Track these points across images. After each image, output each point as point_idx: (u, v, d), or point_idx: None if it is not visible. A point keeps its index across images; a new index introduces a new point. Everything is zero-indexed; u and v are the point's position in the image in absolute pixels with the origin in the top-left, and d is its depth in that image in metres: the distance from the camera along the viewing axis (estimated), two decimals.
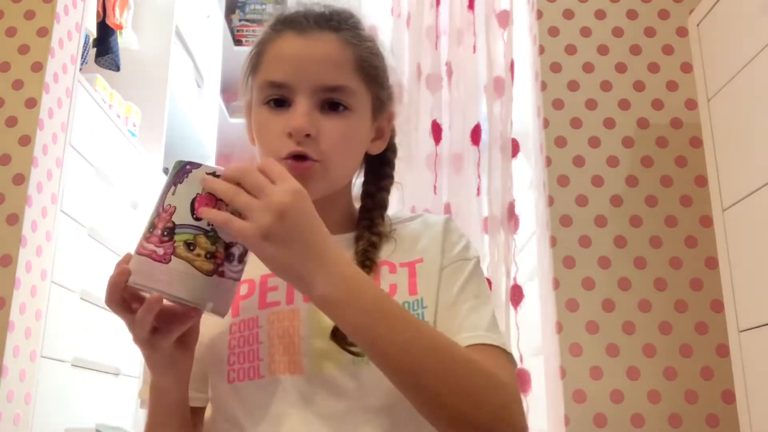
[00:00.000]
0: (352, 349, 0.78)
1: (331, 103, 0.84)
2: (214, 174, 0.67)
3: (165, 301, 0.69)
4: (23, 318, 1.76)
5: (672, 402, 1.72)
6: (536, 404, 1.85)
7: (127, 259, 0.70)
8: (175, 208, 0.66)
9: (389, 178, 0.96)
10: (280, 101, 0.84)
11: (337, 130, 0.83)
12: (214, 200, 0.66)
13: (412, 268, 0.87)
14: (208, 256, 0.67)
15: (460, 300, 0.85)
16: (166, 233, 0.66)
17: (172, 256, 0.66)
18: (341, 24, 0.86)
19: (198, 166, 0.68)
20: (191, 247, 0.66)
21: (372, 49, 0.89)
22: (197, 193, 0.66)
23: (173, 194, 0.67)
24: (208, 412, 0.88)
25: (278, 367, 0.80)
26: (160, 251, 0.66)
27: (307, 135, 0.81)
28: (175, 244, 0.66)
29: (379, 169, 0.96)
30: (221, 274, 0.68)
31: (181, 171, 0.68)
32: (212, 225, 0.67)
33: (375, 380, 0.76)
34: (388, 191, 0.95)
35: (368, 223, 0.90)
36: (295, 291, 0.85)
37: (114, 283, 0.69)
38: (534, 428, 1.85)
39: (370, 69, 0.87)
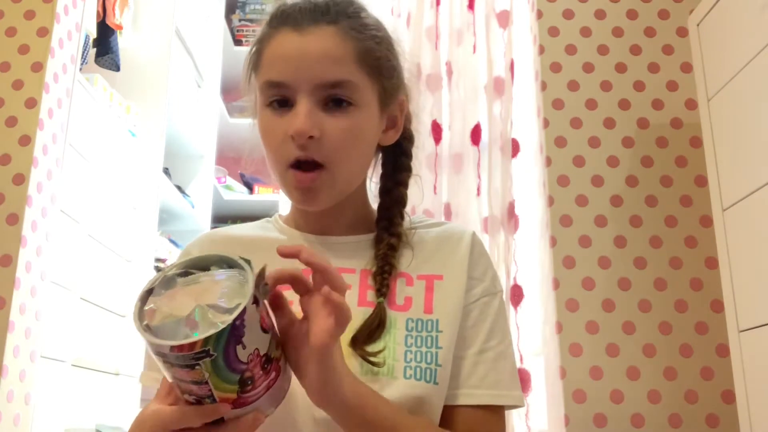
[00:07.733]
0: (372, 359, 0.76)
1: (335, 100, 0.80)
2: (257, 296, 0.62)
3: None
4: (23, 318, 1.76)
5: (672, 402, 1.72)
6: (536, 404, 1.85)
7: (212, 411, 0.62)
8: (256, 348, 0.62)
9: (406, 170, 0.91)
10: (282, 101, 0.81)
11: (342, 128, 0.80)
12: (266, 312, 0.65)
13: (430, 283, 0.84)
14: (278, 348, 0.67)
15: (487, 347, 0.84)
16: (266, 364, 0.64)
17: (280, 370, 0.66)
18: (339, 15, 0.82)
19: (238, 316, 0.60)
20: (278, 347, 0.66)
21: (375, 37, 0.84)
22: (259, 316, 0.62)
23: (244, 347, 0.61)
24: None
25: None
26: (273, 374, 0.65)
27: (311, 137, 0.79)
28: (278, 357, 0.66)
29: (396, 160, 0.91)
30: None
31: (232, 329, 0.59)
32: (272, 325, 0.66)
33: (388, 393, 0.75)
34: (405, 185, 0.91)
35: (387, 224, 0.87)
36: None
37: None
38: (534, 428, 1.85)
39: (374, 59, 0.83)
